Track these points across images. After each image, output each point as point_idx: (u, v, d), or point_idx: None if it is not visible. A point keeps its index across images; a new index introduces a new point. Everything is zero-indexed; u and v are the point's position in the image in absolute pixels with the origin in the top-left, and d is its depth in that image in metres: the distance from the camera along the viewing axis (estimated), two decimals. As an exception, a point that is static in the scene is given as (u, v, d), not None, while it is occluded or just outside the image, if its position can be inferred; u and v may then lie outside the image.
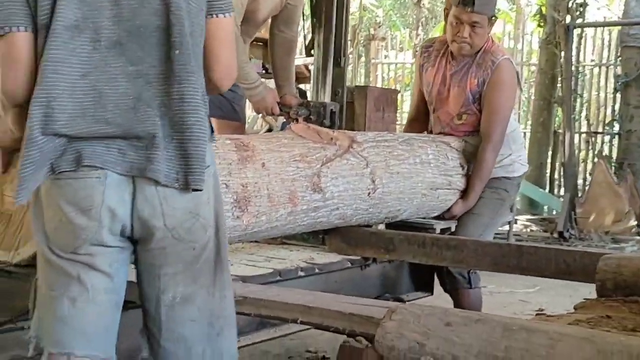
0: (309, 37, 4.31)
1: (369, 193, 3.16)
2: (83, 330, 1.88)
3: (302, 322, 2.15)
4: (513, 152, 3.81)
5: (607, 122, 9.15)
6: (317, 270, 3.14)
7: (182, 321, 1.96)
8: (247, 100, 3.89)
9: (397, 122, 6.10)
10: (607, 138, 9.18)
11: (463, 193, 3.71)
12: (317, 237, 3.75)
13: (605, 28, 9.42)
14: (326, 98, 4.15)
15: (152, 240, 1.89)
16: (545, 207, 9.02)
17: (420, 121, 3.93)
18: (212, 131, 1.95)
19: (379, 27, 11.41)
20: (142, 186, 1.83)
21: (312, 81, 4.27)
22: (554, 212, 8.65)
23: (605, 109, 9.26)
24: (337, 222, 3.14)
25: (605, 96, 9.29)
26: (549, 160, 8.97)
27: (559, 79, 8.59)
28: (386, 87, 10.27)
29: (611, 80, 9.13)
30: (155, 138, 1.81)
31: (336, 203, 3.02)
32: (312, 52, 4.33)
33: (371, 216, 3.28)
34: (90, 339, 1.89)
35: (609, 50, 9.45)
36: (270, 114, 3.61)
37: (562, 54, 8.26)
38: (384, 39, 11.31)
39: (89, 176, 1.80)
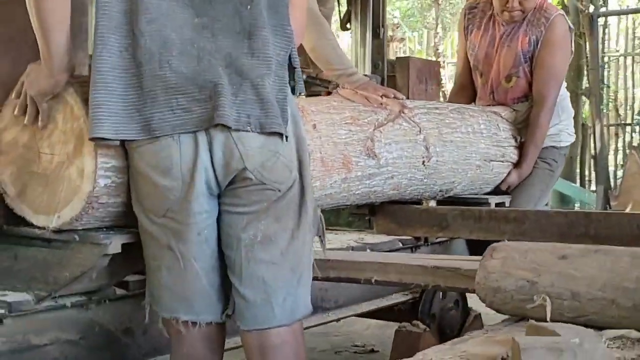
0: (344, 9, 4.10)
1: (424, 161, 2.95)
2: (184, 297, 1.90)
3: (377, 282, 1.94)
4: (561, 121, 3.60)
5: (636, 112, 8.91)
6: (368, 250, 2.94)
7: (262, 263, 1.85)
8: None
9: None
10: (637, 128, 8.93)
11: (515, 166, 3.49)
12: (363, 219, 3.56)
13: (630, 16, 9.21)
14: (366, 71, 3.94)
15: (235, 183, 1.85)
16: (578, 202, 8.76)
17: (466, 91, 3.72)
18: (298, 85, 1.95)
19: (397, 28, 11.22)
20: (216, 135, 1.79)
21: (351, 55, 4.05)
22: (587, 207, 8.39)
23: (634, 99, 9.01)
24: (391, 194, 2.92)
25: (633, 86, 9.05)
26: (578, 154, 8.71)
27: (585, 70, 8.35)
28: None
29: (638, 69, 8.90)
30: (218, 86, 1.77)
31: (391, 171, 2.81)
32: (349, 25, 4.12)
33: (425, 188, 3.06)
34: (191, 304, 1.91)
35: (633, 39, 9.23)
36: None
37: (587, 44, 8.04)
38: (402, 39, 11.13)
39: (162, 139, 1.79)
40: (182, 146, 1.79)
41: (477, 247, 3.27)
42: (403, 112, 2.90)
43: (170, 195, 1.82)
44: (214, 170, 1.82)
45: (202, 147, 1.79)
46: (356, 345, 4.10)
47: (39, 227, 1.98)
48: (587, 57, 8.17)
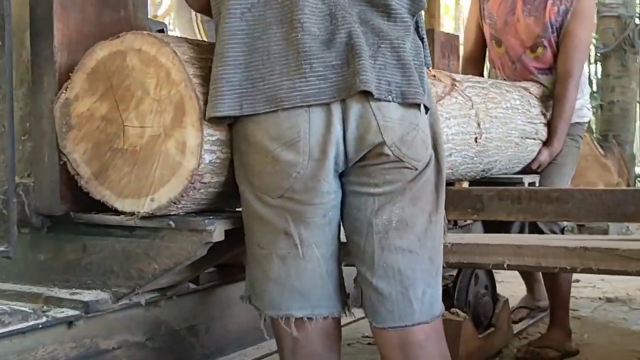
0: None
1: (476, 138, 2.76)
2: (298, 289, 1.66)
3: (509, 267, 1.73)
4: (583, 96, 3.49)
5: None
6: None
7: (398, 251, 1.62)
8: None
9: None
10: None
11: (545, 143, 3.35)
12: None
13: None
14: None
15: (367, 159, 1.59)
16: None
17: (478, 63, 3.56)
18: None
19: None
20: (352, 104, 1.56)
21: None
22: (541, 189, 8.41)
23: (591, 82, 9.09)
24: (446, 173, 2.71)
25: (589, 69, 9.13)
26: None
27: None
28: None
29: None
30: (356, 47, 1.55)
31: (450, 148, 2.60)
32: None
33: (472, 167, 2.87)
34: (307, 297, 1.67)
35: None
36: None
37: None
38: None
39: (289, 109, 1.55)
40: (313, 115, 1.54)
41: (494, 229, 3.13)
42: (455, 85, 2.70)
43: (293, 172, 1.57)
44: (345, 145, 1.58)
45: (335, 117, 1.55)
46: (366, 337, 3.89)
47: (123, 213, 1.69)
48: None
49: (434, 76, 2.66)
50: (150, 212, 1.65)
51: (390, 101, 1.57)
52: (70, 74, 1.73)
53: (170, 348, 2.03)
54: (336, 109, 1.55)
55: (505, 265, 1.81)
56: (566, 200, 2.97)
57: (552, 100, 3.35)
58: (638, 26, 7.89)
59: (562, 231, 3.25)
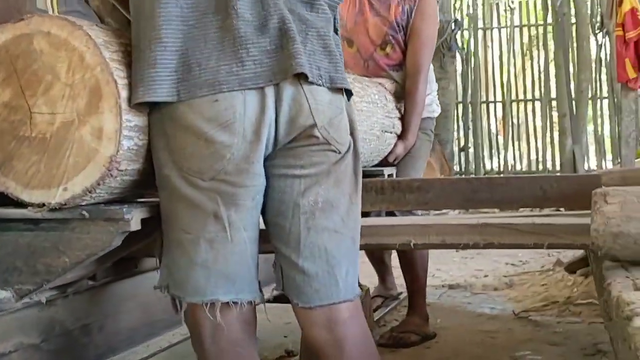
0: None
1: (346, 130, 2.83)
2: (225, 274, 1.64)
3: (415, 247, 1.80)
4: (432, 92, 3.69)
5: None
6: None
7: (324, 231, 1.65)
8: None
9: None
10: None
11: (400, 137, 3.51)
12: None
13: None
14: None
15: (297, 140, 1.62)
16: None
17: None
18: None
19: None
20: (285, 87, 1.59)
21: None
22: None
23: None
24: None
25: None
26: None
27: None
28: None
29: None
30: (289, 32, 1.59)
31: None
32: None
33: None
34: (234, 281, 1.65)
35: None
36: None
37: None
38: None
39: (226, 92, 1.56)
40: (248, 98, 1.56)
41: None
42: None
43: (227, 153, 1.56)
44: (276, 127, 1.61)
45: (269, 100, 1.58)
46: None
47: (30, 205, 1.60)
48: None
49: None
50: (63, 203, 1.58)
51: (320, 85, 1.61)
52: (-36, 59, 1.61)
53: (64, 349, 1.94)
54: (270, 92, 1.57)
55: (412, 245, 1.89)
56: (427, 190, 3.12)
57: (404, 95, 3.51)
58: (454, 30, 8.38)
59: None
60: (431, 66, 3.81)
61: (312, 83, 1.60)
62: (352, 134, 1.73)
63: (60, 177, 1.57)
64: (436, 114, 3.75)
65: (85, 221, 1.61)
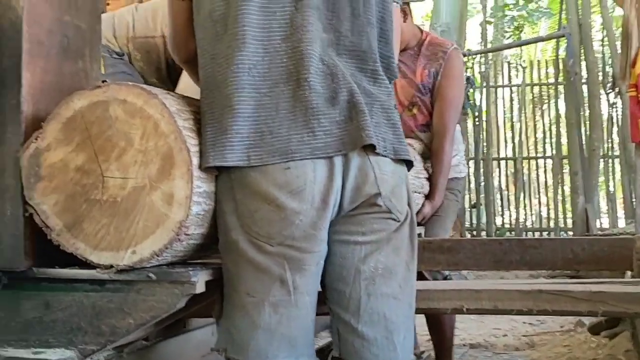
0: None
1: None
2: (287, 338, 1.67)
3: (468, 311, 1.83)
4: (458, 152, 3.75)
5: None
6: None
7: (384, 297, 1.70)
8: None
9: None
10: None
11: (427, 197, 3.55)
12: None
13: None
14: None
15: (360, 207, 1.68)
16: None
17: None
18: None
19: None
20: (353, 157, 1.65)
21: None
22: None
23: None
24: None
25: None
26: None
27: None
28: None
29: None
30: (358, 105, 1.65)
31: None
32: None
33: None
34: (294, 345, 1.68)
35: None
36: None
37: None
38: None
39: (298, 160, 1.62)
40: (318, 166, 1.62)
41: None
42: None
43: (296, 219, 1.62)
44: (342, 195, 1.66)
45: (337, 169, 1.64)
46: None
47: (98, 266, 1.64)
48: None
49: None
50: (131, 265, 1.62)
51: (386, 156, 1.68)
52: (40, 124, 1.67)
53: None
54: (338, 161, 1.63)
55: (464, 310, 1.92)
56: (458, 250, 3.16)
57: (430, 156, 3.57)
58: (466, 88, 8.48)
59: (445, 278, 3.44)
60: (457, 127, 3.88)
61: (378, 154, 1.66)
62: (408, 203, 1.78)
63: (129, 240, 1.61)
64: (463, 174, 3.80)
65: (151, 283, 1.64)
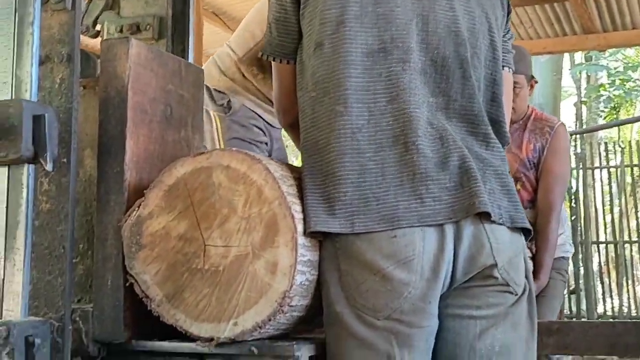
0: None
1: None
2: None
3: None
4: (564, 231, 3.60)
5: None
6: None
7: None
8: None
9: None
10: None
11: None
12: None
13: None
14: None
15: (474, 280, 1.57)
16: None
17: None
18: None
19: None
20: (466, 225, 1.56)
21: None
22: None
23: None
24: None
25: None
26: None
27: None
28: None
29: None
30: (470, 171, 1.58)
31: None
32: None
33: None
34: None
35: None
36: None
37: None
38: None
39: (405, 227, 1.54)
40: (427, 234, 1.54)
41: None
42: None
43: (405, 291, 1.53)
44: (454, 266, 1.56)
45: (448, 238, 1.55)
46: None
47: (197, 339, 1.58)
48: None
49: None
50: (232, 338, 1.55)
51: (502, 224, 1.58)
52: (142, 192, 1.65)
53: None
54: (449, 230, 1.55)
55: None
56: (567, 333, 2.98)
57: (535, 234, 3.43)
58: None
59: (557, 365, 3.26)
60: (563, 204, 3.74)
61: (493, 222, 1.56)
62: (526, 275, 1.67)
63: (231, 312, 1.55)
64: (569, 254, 3.64)
65: (253, 357, 1.57)
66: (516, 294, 1.62)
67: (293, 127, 1.82)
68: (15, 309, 1.48)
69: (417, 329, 1.54)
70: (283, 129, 1.94)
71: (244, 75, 2.89)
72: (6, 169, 1.50)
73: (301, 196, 1.62)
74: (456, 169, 1.57)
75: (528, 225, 1.66)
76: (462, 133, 1.64)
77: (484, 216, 1.56)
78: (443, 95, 1.65)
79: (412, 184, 1.54)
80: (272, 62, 1.79)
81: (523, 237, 1.68)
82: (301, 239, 1.54)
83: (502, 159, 1.68)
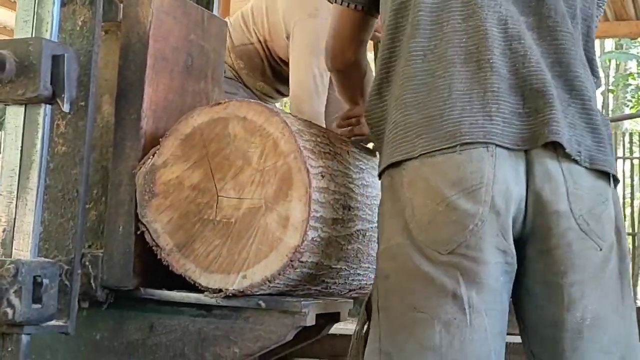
0: None
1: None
2: None
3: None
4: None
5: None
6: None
7: (592, 353, 1.43)
8: None
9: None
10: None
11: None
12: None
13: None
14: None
15: (551, 234, 1.41)
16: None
17: None
18: None
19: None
20: (539, 159, 1.40)
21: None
22: None
23: None
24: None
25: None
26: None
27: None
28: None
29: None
30: (547, 97, 1.41)
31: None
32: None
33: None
34: None
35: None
36: None
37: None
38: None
39: (471, 148, 1.38)
40: (498, 162, 1.38)
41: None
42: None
43: (470, 223, 1.36)
44: (526, 205, 1.40)
45: (520, 172, 1.39)
46: None
47: (205, 289, 1.57)
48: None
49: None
50: (240, 290, 1.54)
51: (579, 163, 1.42)
52: (159, 141, 1.63)
53: None
54: (520, 162, 1.40)
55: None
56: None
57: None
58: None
59: None
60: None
61: (570, 159, 1.41)
62: (617, 230, 1.48)
63: (240, 264, 1.54)
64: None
65: (260, 311, 1.56)
66: (600, 249, 1.43)
67: (340, 72, 1.84)
68: (25, 249, 1.48)
69: (485, 266, 1.38)
70: (330, 71, 1.90)
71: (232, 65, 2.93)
72: (23, 108, 1.50)
73: (320, 152, 1.60)
74: (533, 93, 1.43)
75: (613, 171, 1.47)
76: (550, 58, 1.48)
77: (561, 153, 1.40)
78: (534, 14, 1.50)
79: (482, 101, 1.41)
80: (339, 5, 1.72)
81: (610, 186, 1.48)
82: (315, 194, 1.52)
83: (592, 96, 1.49)
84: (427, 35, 1.47)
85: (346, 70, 1.79)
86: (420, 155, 1.40)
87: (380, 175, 1.49)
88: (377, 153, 1.84)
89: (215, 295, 1.56)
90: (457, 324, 1.37)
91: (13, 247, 1.48)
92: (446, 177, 1.38)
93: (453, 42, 1.45)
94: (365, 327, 1.51)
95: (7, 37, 4.95)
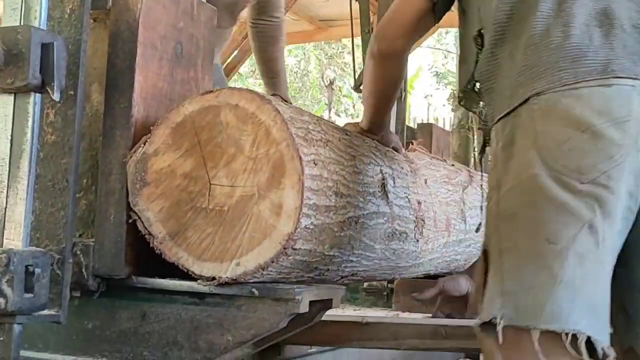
0: (359, 71, 3.88)
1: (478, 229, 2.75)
2: (590, 302, 1.32)
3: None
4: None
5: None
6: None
7: None
8: None
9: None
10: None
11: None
12: (381, 295, 3.30)
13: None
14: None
15: None
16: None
17: None
18: None
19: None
20: None
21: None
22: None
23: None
24: (463, 265, 2.69)
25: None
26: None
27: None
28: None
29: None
30: None
31: (470, 238, 2.58)
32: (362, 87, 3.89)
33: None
34: (598, 313, 1.33)
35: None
36: None
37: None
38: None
39: (620, 83, 1.38)
40: None
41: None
42: (472, 177, 2.71)
43: (616, 153, 1.34)
44: None
45: None
46: None
47: (198, 277, 1.57)
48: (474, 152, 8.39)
49: (453, 165, 2.67)
50: (233, 278, 1.54)
51: None
52: (149, 129, 1.63)
53: None
54: None
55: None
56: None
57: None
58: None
59: None
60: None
61: None
62: None
63: (233, 252, 1.54)
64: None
65: (253, 299, 1.56)
66: None
67: (381, 58, 1.82)
68: (16, 239, 1.47)
69: (619, 201, 1.35)
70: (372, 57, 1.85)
71: None
72: (12, 97, 1.48)
73: (312, 139, 1.60)
74: None
75: None
76: None
77: None
78: None
79: (624, 50, 1.41)
80: None
81: None
82: (308, 182, 1.52)
83: None
84: None
85: (389, 58, 1.77)
86: (561, 87, 1.39)
87: (491, 126, 1.49)
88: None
89: (208, 283, 1.56)
90: (591, 259, 1.33)
91: (4, 237, 1.47)
92: (593, 107, 1.36)
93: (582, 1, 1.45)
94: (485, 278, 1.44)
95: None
